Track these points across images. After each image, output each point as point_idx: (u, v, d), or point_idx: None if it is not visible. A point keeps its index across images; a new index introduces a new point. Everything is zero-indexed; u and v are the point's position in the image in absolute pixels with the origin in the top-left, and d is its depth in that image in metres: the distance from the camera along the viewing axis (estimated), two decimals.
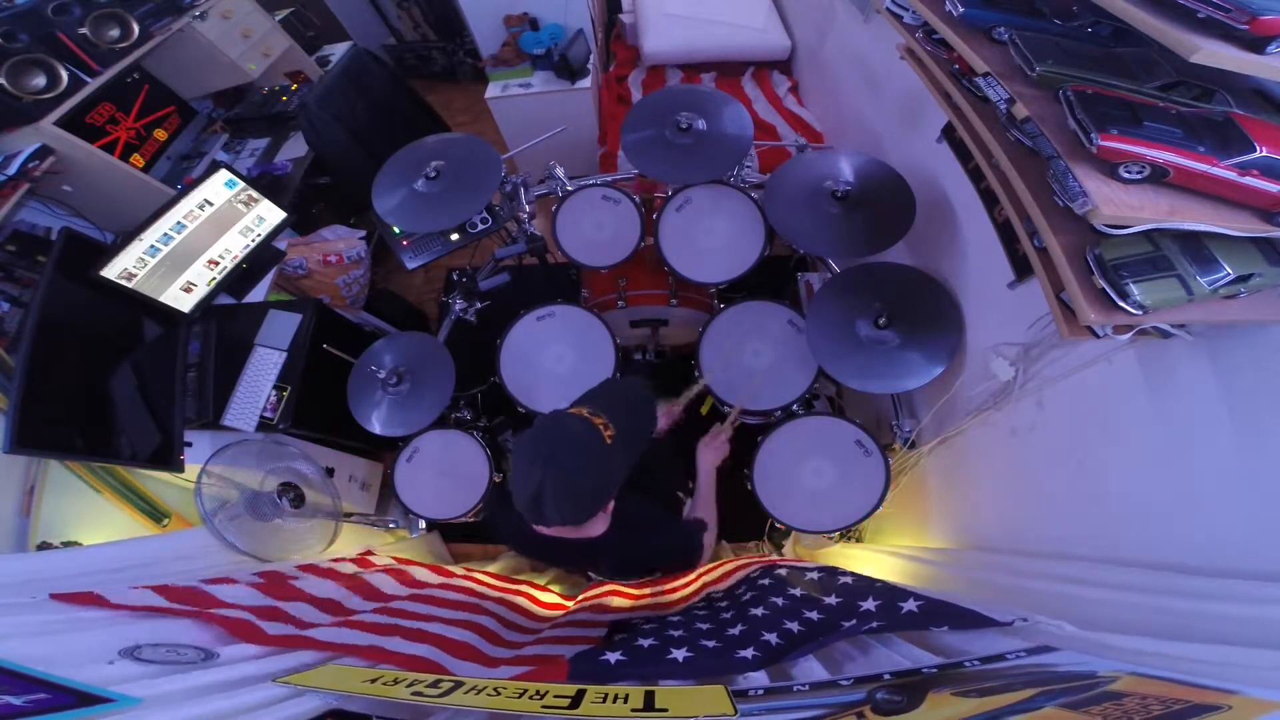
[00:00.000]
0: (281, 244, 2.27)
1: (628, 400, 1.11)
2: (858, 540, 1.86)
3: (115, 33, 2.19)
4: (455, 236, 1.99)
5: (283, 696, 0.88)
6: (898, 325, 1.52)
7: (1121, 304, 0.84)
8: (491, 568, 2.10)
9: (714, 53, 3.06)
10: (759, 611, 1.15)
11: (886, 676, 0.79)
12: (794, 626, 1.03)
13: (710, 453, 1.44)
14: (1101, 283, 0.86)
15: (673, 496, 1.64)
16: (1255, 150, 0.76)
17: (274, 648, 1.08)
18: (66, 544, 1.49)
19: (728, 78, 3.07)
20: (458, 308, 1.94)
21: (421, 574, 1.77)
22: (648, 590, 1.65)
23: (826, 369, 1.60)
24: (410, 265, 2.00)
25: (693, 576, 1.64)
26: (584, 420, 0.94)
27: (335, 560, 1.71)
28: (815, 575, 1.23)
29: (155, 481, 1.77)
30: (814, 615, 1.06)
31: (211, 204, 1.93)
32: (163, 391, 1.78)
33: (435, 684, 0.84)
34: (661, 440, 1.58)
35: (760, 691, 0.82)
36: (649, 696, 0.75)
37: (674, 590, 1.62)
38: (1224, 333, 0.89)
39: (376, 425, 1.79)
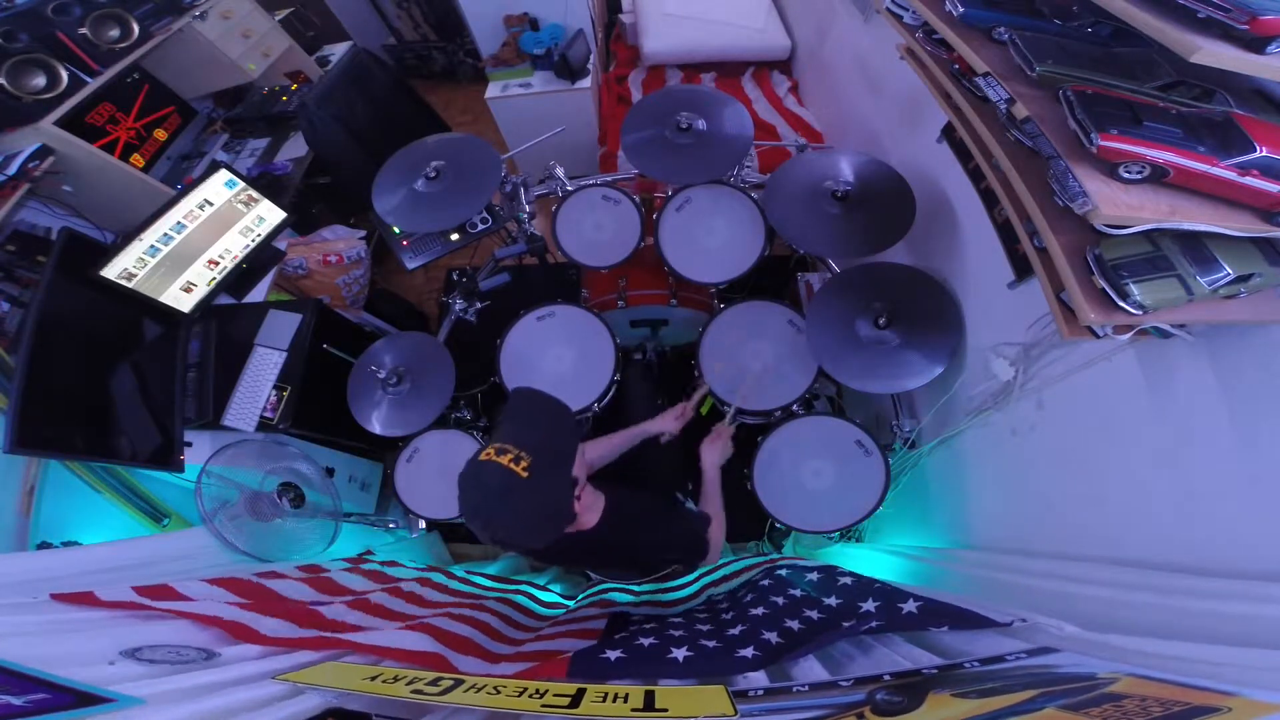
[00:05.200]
0: (281, 244, 2.27)
1: (531, 416, 1.08)
2: (858, 540, 1.86)
3: (115, 33, 2.19)
4: (455, 236, 1.99)
5: (282, 695, 0.88)
6: (898, 325, 1.52)
7: (1121, 304, 0.84)
8: (491, 568, 2.10)
9: (714, 53, 3.06)
10: (759, 611, 1.15)
11: (886, 677, 0.79)
12: (794, 625, 1.03)
13: (713, 450, 1.45)
14: (1101, 283, 0.86)
15: (671, 497, 1.64)
16: (1255, 150, 0.76)
17: (273, 648, 1.08)
18: (66, 544, 1.49)
19: (728, 78, 3.07)
20: (458, 308, 1.94)
21: (421, 574, 1.77)
22: (648, 589, 1.65)
23: (826, 369, 1.60)
24: (410, 265, 2.00)
25: (693, 577, 1.64)
26: (493, 466, 0.94)
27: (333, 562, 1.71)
28: (815, 575, 1.23)
29: (155, 481, 1.77)
30: (814, 614, 1.06)
31: (211, 204, 1.93)
32: (163, 391, 1.78)
33: (435, 682, 0.84)
34: (663, 441, 1.58)
35: (760, 692, 0.82)
36: (649, 696, 0.75)
37: (675, 590, 1.62)
38: (1224, 333, 0.89)
39: (376, 425, 1.79)
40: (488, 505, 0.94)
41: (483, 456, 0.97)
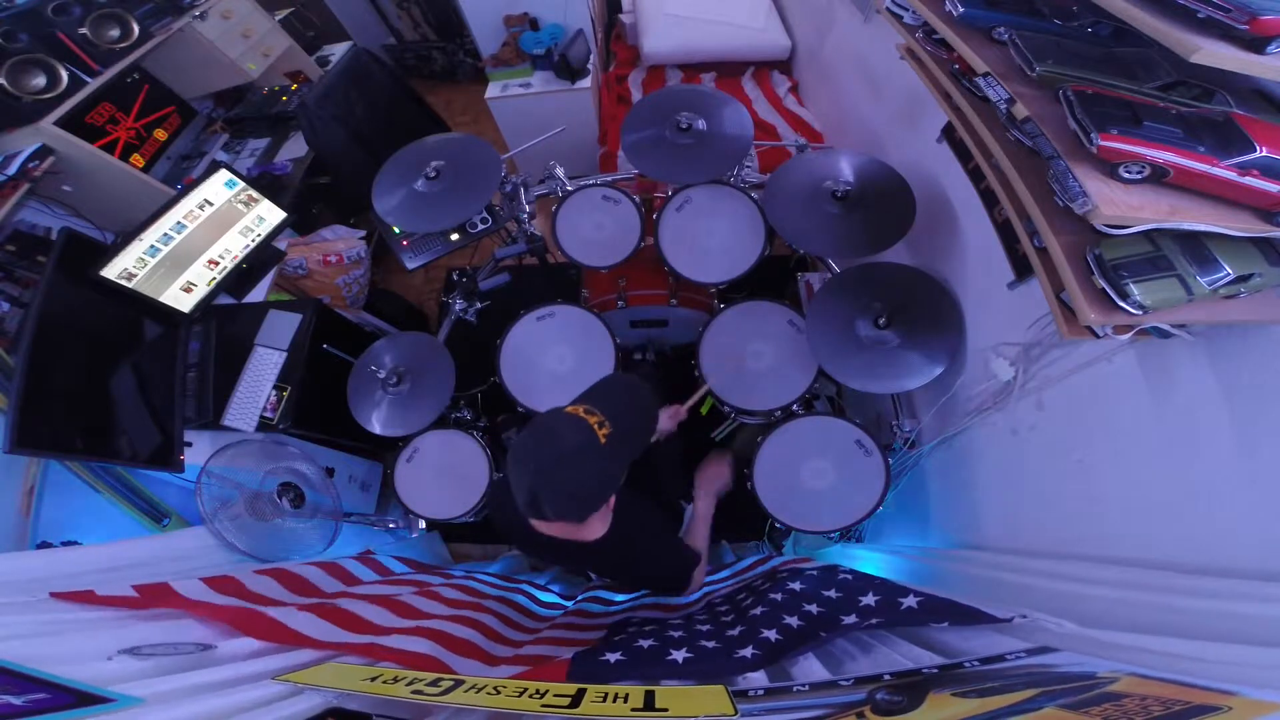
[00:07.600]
0: (281, 244, 2.27)
1: (627, 397, 1.08)
2: (858, 540, 1.86)
3: (115, 33, 2.19)
4: (455, 236, 1.99)
5: (282, 695, 0.88)
6: (898, 325, 1.52)
7: (1121, 304, 0.84)
8: (491, 568, 2.10)
9: (714, 53, 3.05)
10: (758, 610, 1.15)
11: (886, 677, 0.79)
12: (793, 622, 1.03)
13: (712, 481, 1.50)
14: (1101, 283, 0.86)
15: (674, 504, 1.64)
16: (1255, 150, 0.76)
17: (273, 644, 1.08)
18: (66, 544, 1.49)
19: (728, 78, 3.07)
20: (458, 308, 1.94)
21: (422, 575, 1.77)
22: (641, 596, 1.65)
23: (826, 369, 1.60)
24: (410, 265, 2.00)
25: None
26: (579, 421, 0.92)
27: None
28: (815, 571, 1.23)
29: (155, 481, 1.77)
30: (813, 609, 1.06)
31: (211, 204, 1.92)
32: (163, 391, 1.78)
33: (435, 682, 0.84)
34: (666, 443, 1.58)
35: (760, 692, 0.82)
36: (649, 696, 0.75)
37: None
38: (1224, 333, 0.88)
39: (376, 425, 1.79)
40: (552, 456, 0.90)
41: (568, 409, 0.94)
